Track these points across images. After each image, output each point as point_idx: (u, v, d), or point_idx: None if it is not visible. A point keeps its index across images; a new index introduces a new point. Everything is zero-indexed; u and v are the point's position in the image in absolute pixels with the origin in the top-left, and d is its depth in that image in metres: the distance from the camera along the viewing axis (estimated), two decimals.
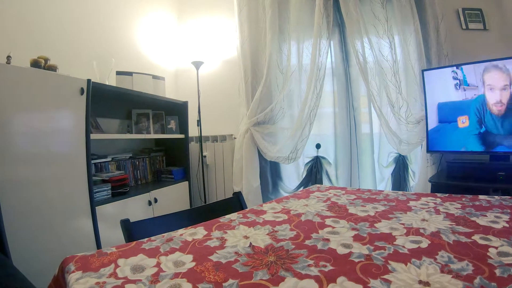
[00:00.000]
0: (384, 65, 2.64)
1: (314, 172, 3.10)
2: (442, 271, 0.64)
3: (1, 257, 1.53)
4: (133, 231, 1.08)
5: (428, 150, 2.44)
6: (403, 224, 0.97)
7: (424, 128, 2.45)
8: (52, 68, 2.10)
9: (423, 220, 1.01)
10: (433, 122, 2.40)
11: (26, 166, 1.82)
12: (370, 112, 2.91)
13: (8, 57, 1.87)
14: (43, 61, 2.07)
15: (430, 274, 0.63)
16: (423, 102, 2.44)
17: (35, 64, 2.02)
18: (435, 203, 1.22)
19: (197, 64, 3.30)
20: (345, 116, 3.03)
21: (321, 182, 3.05)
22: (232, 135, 3.50)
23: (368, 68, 2.68)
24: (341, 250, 0.78)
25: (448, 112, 2.32)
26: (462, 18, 2.53)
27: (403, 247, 0.78)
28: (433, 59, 2.50)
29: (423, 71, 2.43)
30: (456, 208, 1.13)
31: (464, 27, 2.53)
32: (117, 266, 0.74)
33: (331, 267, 0.69)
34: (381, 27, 2.63)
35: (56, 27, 2.55)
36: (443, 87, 2.33)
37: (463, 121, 2.25)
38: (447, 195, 1.36)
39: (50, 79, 1.98)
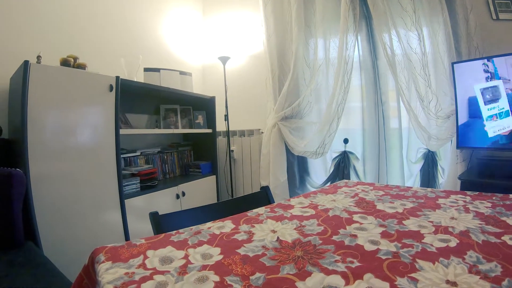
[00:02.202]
0: (413, 58, 2.56)
1: (342, 167, 3.07)
2: (470, 272, 0.63)
3: (32, 247, 1.61)
4: (161, 223, 1.11)
5: (458, 146, 2.36)
6: (431, 222, 0.96)
7: (454, 123, 2.37)
8: (81, 67, 2.17)
9: (452, 218, 0.99)
10: (463, 117, 2.31)
11: (58, 160, 1.90)
12: (399, 106, 2.84)
13: (38, 57, 1.94)
14: (72, 60, 2.13)
15: (458, 274, 0.63)
16: (453, 96, 2.36)
17: (65, 63, 2.09)
18: (464, 201, 1.20)
19: (224, 60, 3.32)
20: (373, 111, 2.98)
21: (348, 178, 3.03)
22: (259, 129, 3.51)
23: (396, 61, 2.61)
24: (369, 247, 0.78)
25: (479, 107, 2.24)
26: (492, 8, 2.41)
27: (431, 245, 0.77)
28: (463, 51, 2.40)
29: (453, 63, 2.35)
30: (486, 207, 1.10)
31: (494, 17, 2.42)
32: (146, 257, 0.76)
33: (358, 264, 0.69)
34: (409, 19, 2.56)
35: (84, 27, 2.63)
36: (474, 81, 2.25)
37: None
38: (477, 193, 1.33)
39: (80, 77, 2.05)
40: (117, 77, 2.24)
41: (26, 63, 1.73)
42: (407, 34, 2.59)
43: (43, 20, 2.35)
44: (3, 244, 1.53)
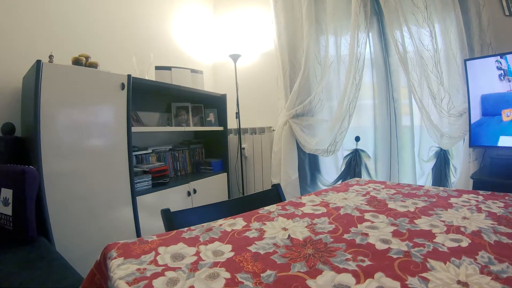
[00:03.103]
0: (425, 55, 2.53)
1: (353, 165, 3.05)
2: (481, 272, 0.63)
3: (44, 243, 1.64)
4: (173, 220, 1.12)
5: (470, 145, 2.32)
6: (443, 221, 0.96)
7: (466, 121, 2.34)
8: (93, 65, 2.19)
9: (464, 218, 0.98)
10: (476, 115, 2.28)
11: (70, 158, 1.92)
12: (411, 104, 2.82)
13: (51, 56, 1.97)
14: (84, 59, 2.15)
15: (469, 274, 0.62)
16: (466, 94, 2.33)
17: (77, 62, 2.11)
18: (477, 201, 1.18)
19: (235, 57, 3.33)
20: (385, 108, 2.95)
21: (360, 176, 3.01)
22: (270, 127, 3.51)
23: (408, 58, 2.58)
24: (380, 246, 0.78)
25: (491, 105, 2.19)
26: (504, 4, 2.36)
27: (443, 245, 0.77)
28: (476, 48, 2.36)
29: (465, 61, 2.30)
30: (499, 207, 1.08)
31: (507, 13, 2.36)
32: (157, 253, 0.77)
33: (369, 262, 0.69)
34: (421, 15, 2.52)
35: (95, 26, 2.66)
36: (487, 78, 2.20)
37: (507, 115, 2.14)
38: (489, 192, 1.31)
39: (92, 76, 2.07)
40: (129, 76, 2.26)
41: (38, 63, 1.76)
42: (418, 30, 2.56)
43: (54, 20, 2.38)
44: (16, 239, 1.56)
